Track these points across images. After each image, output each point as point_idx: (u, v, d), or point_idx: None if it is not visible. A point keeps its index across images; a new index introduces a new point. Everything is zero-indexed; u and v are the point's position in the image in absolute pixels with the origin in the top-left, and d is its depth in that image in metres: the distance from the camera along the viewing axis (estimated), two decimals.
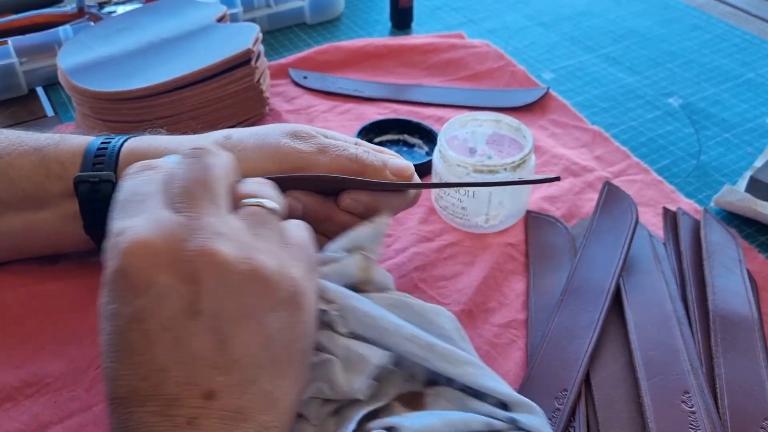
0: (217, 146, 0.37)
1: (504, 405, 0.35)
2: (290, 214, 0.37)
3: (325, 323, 0.36)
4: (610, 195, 0.55)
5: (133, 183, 0.34)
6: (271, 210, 0.34)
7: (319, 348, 0.35)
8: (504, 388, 0.35)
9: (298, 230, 0.35)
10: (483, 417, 0.34)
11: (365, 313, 0.36)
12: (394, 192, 0.44)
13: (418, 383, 0.37)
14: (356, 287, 0.38)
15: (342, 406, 0.35)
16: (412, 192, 0.44)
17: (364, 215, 0.41)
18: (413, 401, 0.36)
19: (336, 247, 0.39)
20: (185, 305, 0.29)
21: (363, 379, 0.34)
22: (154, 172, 0.34)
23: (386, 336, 0.35)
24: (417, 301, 0.38)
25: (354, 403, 0.35)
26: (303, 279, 0.32)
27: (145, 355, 0.28)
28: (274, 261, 0.31)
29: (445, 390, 0.36)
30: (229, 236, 0.31)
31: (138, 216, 0.31)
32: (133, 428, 0.28)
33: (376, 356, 0.34)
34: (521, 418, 0.34)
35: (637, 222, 0.51)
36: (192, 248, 0.29)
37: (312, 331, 0.33)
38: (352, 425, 0.33)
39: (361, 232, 0.39)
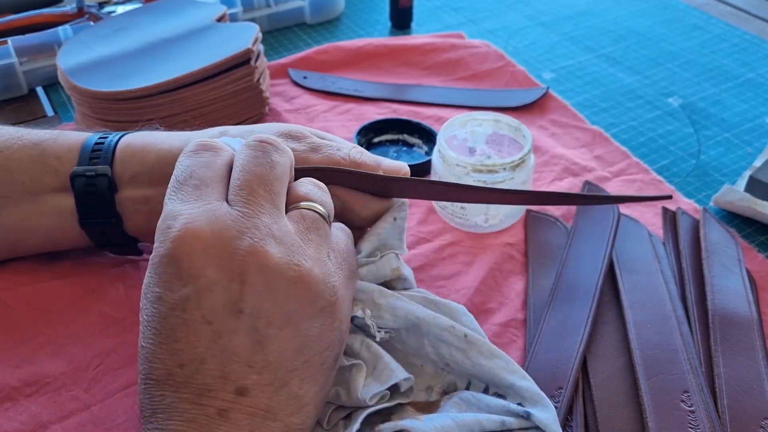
0: (281, 139, 0.38)
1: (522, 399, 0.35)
2: None
3: (360, 327, 0.37)
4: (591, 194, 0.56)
5: (192, 163, 0.33)
6: (322, 215, 0.34)
7: (350, 353, 0.36)
8: (523, 383, 0.36)
9: (342, 236, 0.36)
10: (497, 416, 0.34)
11: (402, 307, 0.36)
12: (379, 197, 0.42)
13: (434, 394, 0.37)
14: (388, 285, 0.39)
15: (353, 411, 0.35)
16: (397, 200, 0.43)
17: (338, 212, 0.41)
18: (427, 407, 0.36)
19: (368, 249, 0.39)
20: (229, 301, 0.29)
21: (381, 388, 0.34)
22: (214, 155, 0.34)
23: (424, 326, 0.36)
24: (439, 298, 0.39)
25: (364, 407, 0.35)
26: (343, 287, 0.33)
27: (184, 343, 0.29)
28: (320, 269, 0.32)
29: (460, 392, 0.36)
30: (281, 239, 0.31)
31: (193, 202, 0.31)
32: (163, 410, 0.29)
33: (400, 372, 0.35)
34: (536, 412, 0.34)
35: (619, 218, 0.51)
36: (243, 247, 0.30)
37: (344, 339, 0.34)
38: (356, 424, 0.33)
39: (386, 230, 0.40)
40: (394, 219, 0.40)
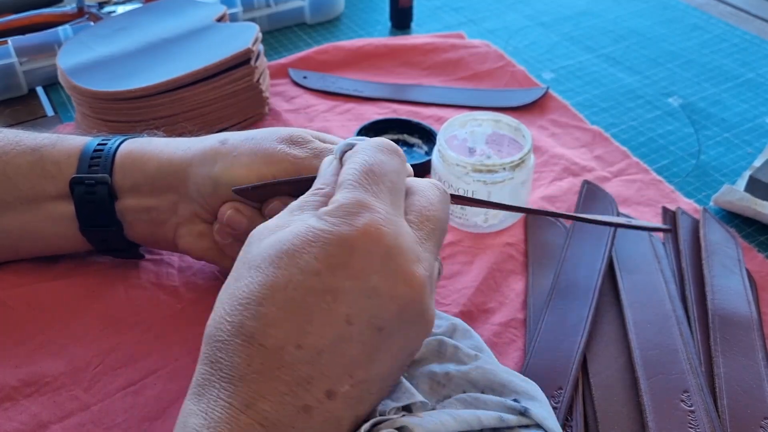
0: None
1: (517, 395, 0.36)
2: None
3: None
4: (590, 194, 0.56)
5: (387, 160, 0.33)
6: (440, 268, 0.36)
7: None
8: (524, 384, 0.36)
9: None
10: (494, 412, 0.34)
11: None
12: None
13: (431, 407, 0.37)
14: None
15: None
16: None
17: None
18: (424, 409, 0.36)
19: None
20: (375, 315, 0.29)
21: (398, 405, 0.34)
22: (403, 165, 0.34)
23: (442, 350, 0.37)
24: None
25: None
26: None
27: (316, 328, 0.28)
28: (434, 307, 0.32)
29: (458, 396, 0.36)
30: (432, 281, 0.32)
31: (387, 204, 0.31)
32: (256, 381, 0.27)
33: (417, 396, 0.35)
34: (533, 408, 0.34)
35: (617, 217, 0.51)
36: (414, 274, 0.30)
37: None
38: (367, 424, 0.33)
39: None
40: None
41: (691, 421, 0.38)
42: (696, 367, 0.41)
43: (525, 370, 0.42)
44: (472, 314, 0.47)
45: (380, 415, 0.33)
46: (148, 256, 0.50)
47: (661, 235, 0.52)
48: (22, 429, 0.39)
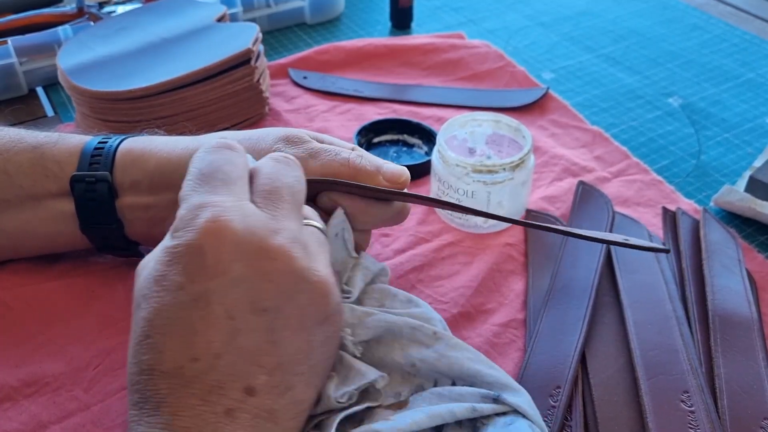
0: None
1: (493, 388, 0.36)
2: None
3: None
4: (585, 194, 0.56)
5: (216, 159, 0.33)
6: (322, 231, 0.36)
7: None
8: (491, 371, 0.36)
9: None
10: (467, 404, 0.34)
11: (372, 318, 0.37)
12: (380, 202, 0.42)
13: (403, 396, 0.37)
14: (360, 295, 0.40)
15: (323, 419, 0.35)
16: (398, 204, 0.43)
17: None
18: (398, 406, 0.36)
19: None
20: (253, 299, 0.29)
21: (351, 389, 0.34)
22: (236, 155, 0.34)
23: (396, 329, 0.37)
24: (402, 292, 0.41)
25: (334, 412, 0.35)
26: (339, 297, 0.34)
27: (202, 337, 0.29)
28: (330, 276, 0.32)
29: (430, 388, 0.36)
30: (305, 245, 0.31)
31: (222, 196, 0.31)
32: (168, 405, 0.28)
33: (371, 373, 0.35)
34: (507, 396, 0.34)
35: (613, 218, 0.51)
36: (275, 246, 0.30)
37: (338, 348, 0.35)
38: (331, 430, 0.33)
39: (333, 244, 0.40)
40: (335, 235, 0.40)
41: (691, 422, 0.38)
42: (696, 367, 0.41)
43: (524, 369, 0.42)
44: (471, 314, 0.46)
45: (338, 402, 0.33)
46: None
47: (661, 235, 0.52)
48: (22, 429, 0.39)
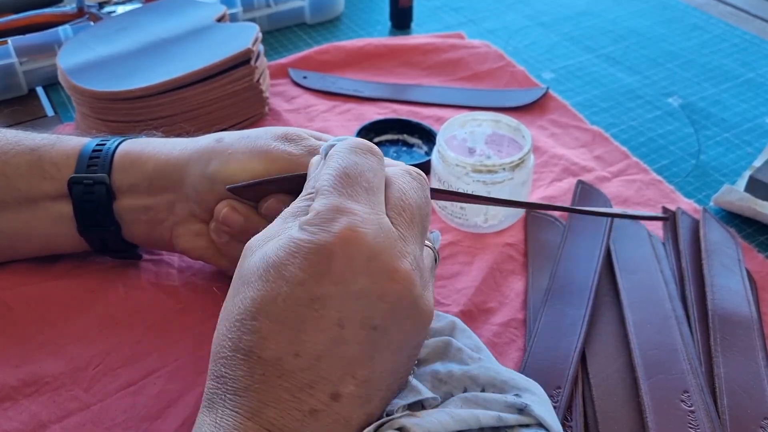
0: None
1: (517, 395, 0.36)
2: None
3: None
4: (584, 193, 0.56)
5: (361, 162, 0.33)
6: (436, 257, 0.36)
7: None
8: (520, 378, 0.36)
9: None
10: (493, 412, 0.34)
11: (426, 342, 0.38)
12: None
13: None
14: None
15: None
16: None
17: None
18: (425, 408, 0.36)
19: None
20: (367, 315, 0.29)
21: (402, 404, 0.34)
22: (379, 163, 0.34)
23: (447, 350, 0.38)
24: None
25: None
26: None
27: (310, 336, 0.29)
28: (433, 305, 0.33)
29: (460, 395, 0.36)
30: (422, 272, 0.32)
31: (363, 205, 0.31)
32: (259, 391, 0.28)
33: (426, 392, 0.35)
34: (533, 404, 0.34)
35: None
36: (401, 269, 0.30)
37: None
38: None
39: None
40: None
41: (691, 422, 0.38)
42: (696, 367, 0.41)
43: (523, 369, 0.42)
44: (472, 314, 0.47)
45: (387, 415, 0.33)
46: (147, 257, 0.50)
47: (661, 235, 0.52)
48: (22, 429, 0.39)
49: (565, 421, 0.39)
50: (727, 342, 0.43)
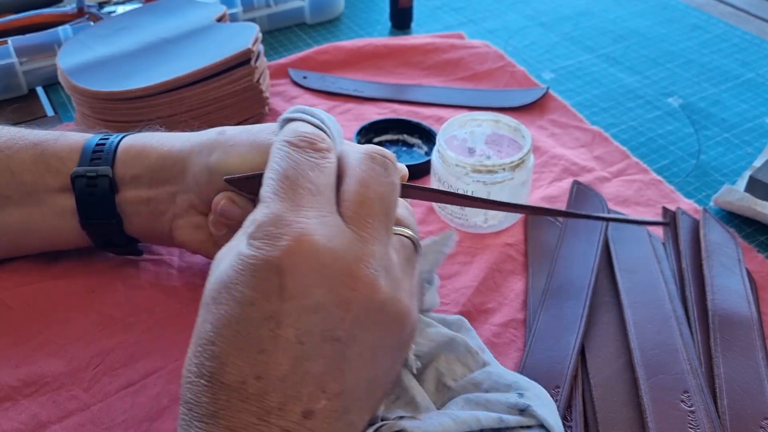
0: (390, 157, 0.34)
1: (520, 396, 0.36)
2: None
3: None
4: (580, 194, 0.56)
5: (302, 161, 0.30)
6: (415, 243, 0.33)
7: None
8: (524, 381, 0.36)
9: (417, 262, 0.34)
10: (495, 414, 0.34)
11: (435, 331, 0.38)
12: None
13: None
14: None
15: None
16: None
17: None
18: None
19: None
20: (328, 327, 0.27)
21: (398, 414, 0.34)
22: (324, 158, 0.31)
23: (454, 344, 0.38)
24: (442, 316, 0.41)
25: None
26: (417, 320, 0.32)
27: (269, 357, 0.27)
28: (412, 304, 0.30)
29: (462, 395, 0.37)
30: (389, 271, 0.29)
31: (309, 210, 0.28)
32: (226, 417, 0.27)
33: (425, 403, 0.35)
34: (535, 407, 0.34)
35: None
36: (358, 276, 0.28)
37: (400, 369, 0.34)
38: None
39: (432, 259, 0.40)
40: (438, 245, 0.40)
41: (691, 422, 0.38)
42: (696, 367, 0.41)
43: (522, 369, 0.42)
44: (471, 314, 0.46)
45: (380, 420, 0.33)
46: (147, 256, 0.50)
47: (661, 235, 0.52)
48: (22, 429, 0.39)
49: (564, 420, 0.39)
50: (727, 342, 0.43)
